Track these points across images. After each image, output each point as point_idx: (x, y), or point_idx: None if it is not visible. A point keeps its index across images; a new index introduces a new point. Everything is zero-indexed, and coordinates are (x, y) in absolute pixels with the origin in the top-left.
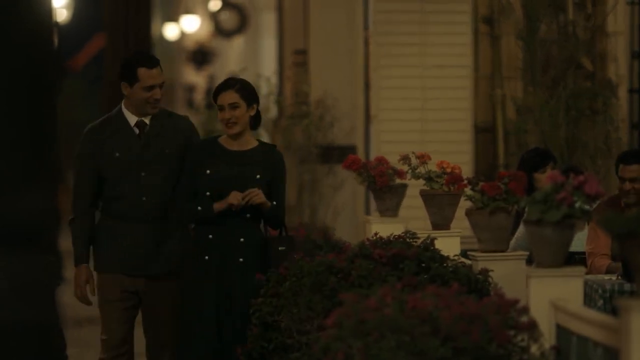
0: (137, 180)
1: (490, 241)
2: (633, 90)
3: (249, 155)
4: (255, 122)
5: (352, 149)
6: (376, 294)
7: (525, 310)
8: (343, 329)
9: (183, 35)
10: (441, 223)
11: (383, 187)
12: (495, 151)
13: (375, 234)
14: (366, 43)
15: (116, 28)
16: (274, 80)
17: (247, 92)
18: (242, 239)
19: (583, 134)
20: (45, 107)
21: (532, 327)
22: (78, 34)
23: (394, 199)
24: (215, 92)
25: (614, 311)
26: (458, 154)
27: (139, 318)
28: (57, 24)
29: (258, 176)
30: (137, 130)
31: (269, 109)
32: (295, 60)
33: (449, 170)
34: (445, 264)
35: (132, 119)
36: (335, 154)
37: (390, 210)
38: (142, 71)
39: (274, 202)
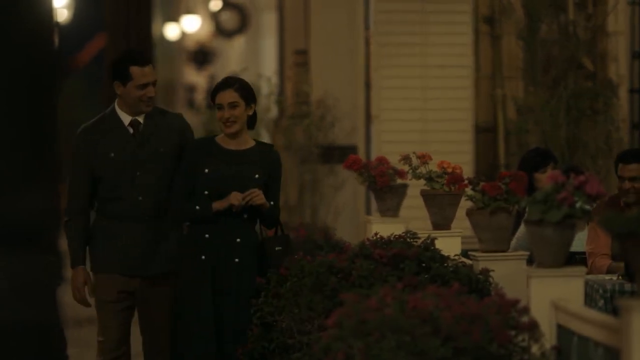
0: (132, 179)
1: (491, 241)
2: (634, 90)
3: (247, 154)
4: (251, 121)
5: (352, 149)
6: (377, 294)
7: (526, 310)
8: (344, 329)
9: (184, 35)
10: (442, 223)
11: (384, 187)
12: (496, 151)
13: (376, 234)
14: (367, 43)
15: (117, 28)
16: (274, 80)
17: (246, 91)
18: (238, 240)
19: (584, 134)
20: (45, 107)
21: (533, 327)
22: (79, 33)
23: (395, 199)
24: (214, 91)
25: (614, 311)
26: (459, 154)
27: (136, 319)
28: (57, 23)
29: (257, 176)
30: (131, 130)
31: (270, 109)
32: (296, 60)
33: (449, 170)
34: (445, 264)
35: (126, 118)
36: (336, 154)
37: (391, 210)
38: (134, 69)
39: (271, 202)
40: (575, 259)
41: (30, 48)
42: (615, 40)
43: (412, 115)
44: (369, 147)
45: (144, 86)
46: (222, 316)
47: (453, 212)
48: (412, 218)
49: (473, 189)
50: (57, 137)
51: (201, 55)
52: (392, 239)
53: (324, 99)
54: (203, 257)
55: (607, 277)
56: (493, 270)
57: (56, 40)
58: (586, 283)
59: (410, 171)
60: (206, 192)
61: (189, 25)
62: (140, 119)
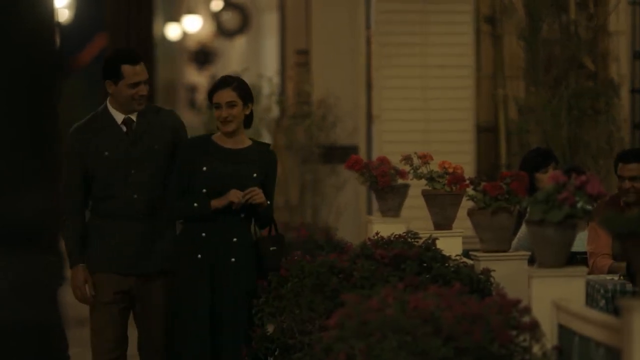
0: (126, 178)
1: (492, 241)
2: (635, 90)
3: (244, 153)
4: (248, 121)
5: (354, 149)
6: (378, 294)
7: (527, 310)
8: (345, 330)
9: (185, 35)
10: (443, 223)
11: (385, 187)
12: (497, 151)
13: (377, 234)
14: (368, 43)
15: (118, 28)
16: (276, 80)
17: (244, 91)
18: (235, 239)
19: (585, 133)
20: (45, 107)
21: (534, 327)
22: (80, 33)
23: (396, 199)
24: (211, 90)
25: (616, 311)
26: (460, 154)
27: (132, 319)
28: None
29: (255, 175)
30: (124, 128)
31: (271, 109)
32: (297, 60)
33: (451, 170)
34: (447, 264)
35: (119, 117)
36: (338, 154)
37: (392, 211)
38: (126, 68)
39: (268, 202)
40: (576, 259)
41: (31, 48)
42: (616, 40)
43: (413, 115)
44: (370, 147)
45: (136, 85)
46: (220, 315)
47: (454, 212)
48: (413, 218)
49: (474, 189)
50: (57, 137)
51: (202, 55)
52: (393, 239)
53: (325, 98)
54: (199, 255)
55: (609, 277)
56: (494, 270)
57: (57, 40)
58: (587, 283)
59: (412, 171)
60: (204, 191)
61: (190, 25)
62: (133, 117)
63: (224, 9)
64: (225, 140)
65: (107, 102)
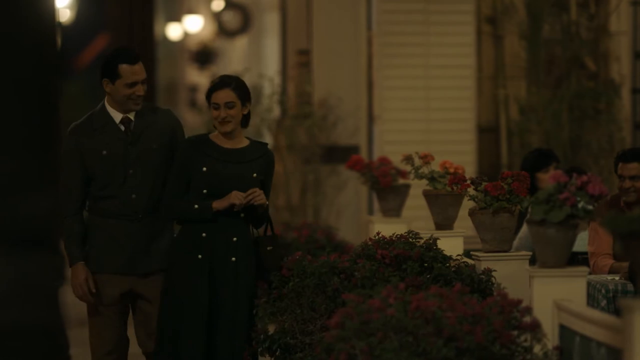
0: (124, 177)
1: (493, 241)
2: (636, 90)
3: (244, 153)
4: (245, 120)
5: (355, 149)
6: (379, 294)
7: (529, 310)
8: (346, 330)
9: (186, 35)
10: (444, 223)
11: (386, 187)
12: (498, 151)
13: (378, 233)
14: (369, 43)
15: (119, 28)
16: (277, 80)
17: (243, 91)
18: (235, 238)
19: (586, 134)
20: (46, 107)
21: (535, 327)
22: (81, 33)
23: (397, 199)
24: (210, 90)
25: (617, 311)
26: (461, 154)
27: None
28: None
29: (254, 175)
30: (122, 127)
31: (272, 109)
32: (298, 60)
33: (452, 170)
34: (448, 264)
35: (117, 116)
36: (339, 154)
37: (393, 210)
38: (123, 67)
39: (266, 202)
40: (578, 259)
41: (32, 48)
42: (617, 41)
43: (414, 116)
44: (372, 147)
45: (133, 84)
46: (217, 315)
47: (455, 212)
48: (414, 218)
49: (475, 189)
50: (58, 138)
51: (203, 55)
52: (394, 239)
53: (326, 99)
54: (200, 256)
55: (610, 277)
56: (495, 270)
57: (58, 40)
58: (588, 283)
59: (413, 171)
60: (205, 191)
61: (191, 25)
62: (132, 117)
63: (225, 8)
64: (223, 139)
65: (105, 101)
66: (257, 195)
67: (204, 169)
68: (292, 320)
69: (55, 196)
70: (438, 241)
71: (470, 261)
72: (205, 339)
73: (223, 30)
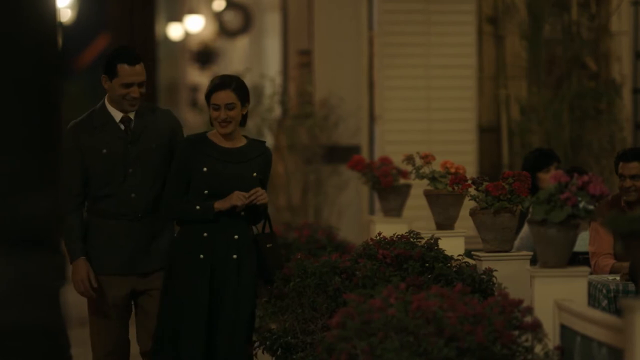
0: (124, 176)
1: (494, 241)
2: (637, 90)
3: (243, 152)
4: (243, 119)
5: (356, 149)
6: (380, 294)
7: (530, 310)
8: (347, 330)
9: (187, 35)
10: (445, 223)
11: (387, 187)
12: (499, 151)
13: (379, 234)
14: (371, 43)
15: (120, 28)
16: (278, 80)
17: (243, 92)
18: (236, 236)
19: (587, 134)
20: (47, 107)
21: (536, 327)
22: (82, 33)
23: (398, 199)
24: (210, 90)
25: (618, 311)
26: (462, 154)
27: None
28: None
29: (255, 174)
30: (122, 126)
31: (273, 109)
32: (299, 60)
33: (453, 170)
34: (449, 264)
35: (117, 115)
36: (340, 154)
37: (394, 210)
38: (122, 67)
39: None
40: (579, 259)
41: (34, 48)
42: (618, 40)
43: (415, 116)
44: (373, 147)
45: (129, 85)
46: (217, 315)
47: (456, 212)
48: (415, 218)
49: (476, 189)
50: (59, 138)
51: (204, 55)
52: (395, 239)
53: (327, 99)
54: (201, 256)
55: (611, 277)
56: (496, 270)
57: (59, 40)
58: (589, 283)
59: (414, 171)
60: (206, 192)
61: (192, 25)
62: (132, 116)
63: (226, 9)
64: (222, 139)
65: (105, 99)
66: (260, 195)
67: (205, 169)
68: (293, 319)
69: (55, 196)
70: (439, 241)
71: (471, 261)
72: (205, 339)
73: (224, 30)
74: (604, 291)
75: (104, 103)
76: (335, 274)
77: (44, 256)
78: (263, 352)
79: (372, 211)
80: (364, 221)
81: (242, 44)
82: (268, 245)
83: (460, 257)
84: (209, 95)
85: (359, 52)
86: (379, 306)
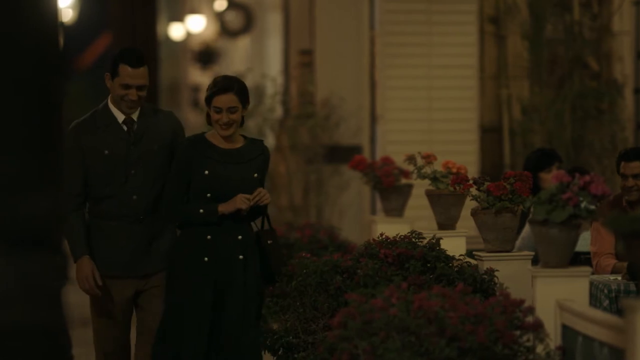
0: (126, 177)
1: (495, 241)
2: (639, 90)
3: (242, 153)
4: (242, 120)
5: (357, 149)
6: (382, 293)
7: (531, 310)
8: (349, 329)
9: (188, 35)
10: (447, 223)
11: (389, 187)
12: (501, 151)
13: (381, 234)
14: (372, 43)
15: (122, 28)
16: (279, 80)
17: (244, 94)
18: (239, 237)
19: (589, 133)
20: (49, 107)
21: (537, 327)
22: (84, 33)
23: (400, 199)
24: (213, 93)
25: (619, 311)
26: (464, 153)
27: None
28: (62, 23)
29: (255, 175)
30: (125, 127)
31: (275, 109)
32: (301, 60)
33: (454, 170)
34: (450, 264)
35: (120, 116)
36: (341, 154)
37: (395, 210)
38: (123, 68)
39: None
40: (580, 259)
41: (35, 48)
42: (620, 40)
43: (417, 115)
44: (374, 147)
45: (128, 87)
46: (220, 316)
47: (458, 212)
48: (416, 218)
49: (478, 189)
50: (61, 138)
51: (206, 55)
52: (397, 239)
53: (329, 99)
54: (206, 258)
55: (612, 277)
56: (498, 270)
57: (61, 40)
58: (591, 283)
59: (415, 171)
60: (209, 195)
61: (193, 25)
62: (134, 117)
63: (227, 8)
64: (221, 140)
65: (108, 99)
66: (263, 196)
67: (206, 172)
68: (295, 319)
69: (55, 196)
70: (441, 241)
71: (472, 261)
72: (206, 340)
73: (225, 30)
74: (606, 291)
75: (106, 103)
76: (337, 273)
77: (44, 256)
78: (264, 352)
79: (373, 211)
80: (365, 221)
81: (243, 44)
82: (269, 242)
83: (461, 257)
84: (210, 98)
85: (361, 52)
86: (381, 306)
